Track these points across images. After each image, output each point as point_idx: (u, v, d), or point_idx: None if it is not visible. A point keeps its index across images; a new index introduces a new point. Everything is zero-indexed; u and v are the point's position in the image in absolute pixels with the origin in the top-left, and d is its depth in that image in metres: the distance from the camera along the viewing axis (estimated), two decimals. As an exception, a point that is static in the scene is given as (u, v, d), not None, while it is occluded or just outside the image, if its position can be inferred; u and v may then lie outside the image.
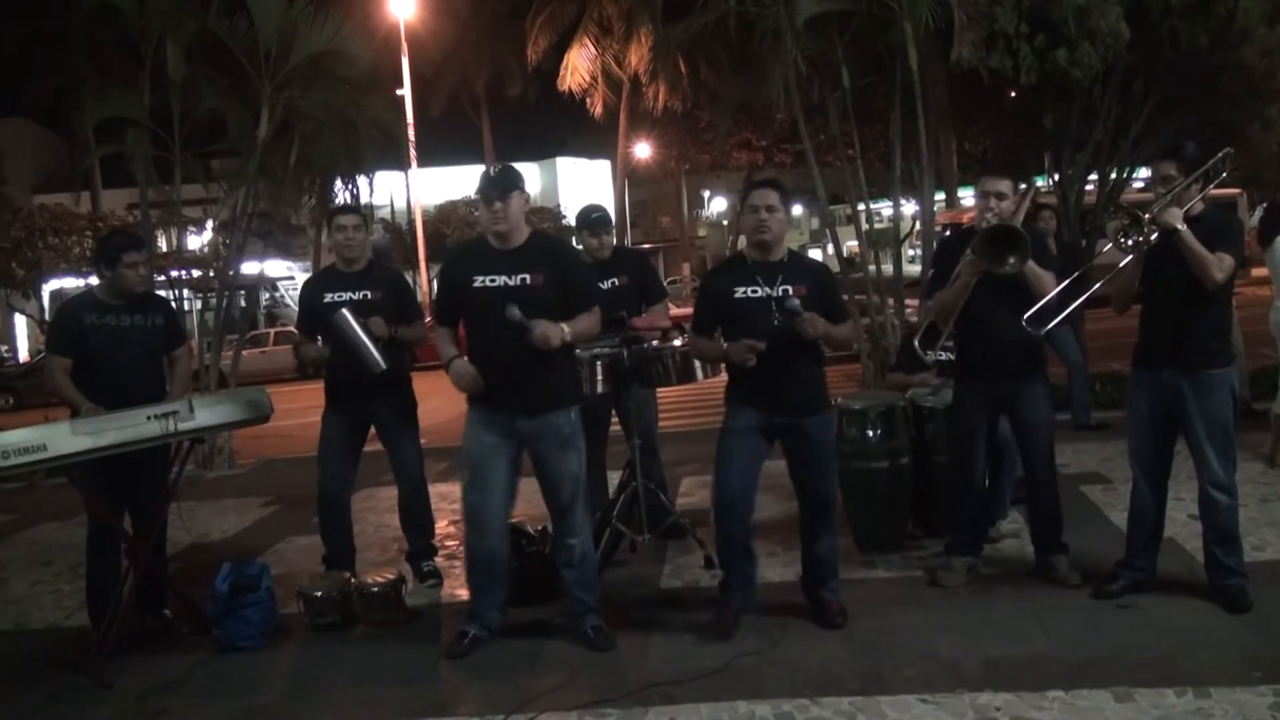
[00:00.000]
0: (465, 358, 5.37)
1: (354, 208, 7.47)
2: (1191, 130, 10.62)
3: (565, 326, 5.24)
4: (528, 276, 5.28)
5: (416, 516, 6.80)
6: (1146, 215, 5.13)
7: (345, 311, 6.21)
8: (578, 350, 6.17)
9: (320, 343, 6.50)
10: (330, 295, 6.45)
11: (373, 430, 6.68)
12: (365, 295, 6.44)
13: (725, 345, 5.36)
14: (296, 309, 7.16)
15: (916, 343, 5.99)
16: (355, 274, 6.58)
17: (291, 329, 31.51)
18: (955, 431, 6.11)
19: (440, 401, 9.77)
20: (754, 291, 5.33)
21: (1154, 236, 5.13)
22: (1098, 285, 5.85)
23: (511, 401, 5.35)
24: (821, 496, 5.53)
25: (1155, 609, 5.34)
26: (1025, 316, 5.55)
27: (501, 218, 5.29)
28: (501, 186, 5.29)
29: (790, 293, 5.28)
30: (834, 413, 5.57)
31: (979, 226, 5.76)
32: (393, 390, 6.54)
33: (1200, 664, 4.70)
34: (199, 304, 12.87)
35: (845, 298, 6.42)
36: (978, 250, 5.61)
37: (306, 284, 6.86)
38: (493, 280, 5.30)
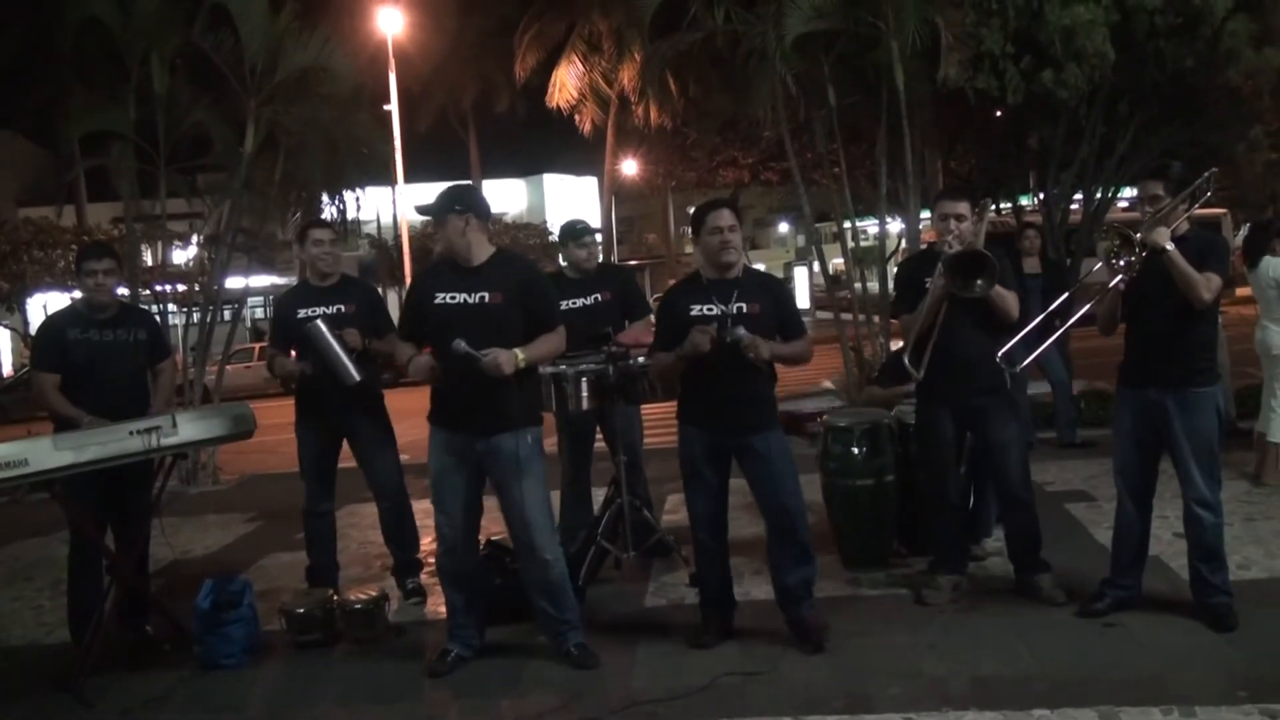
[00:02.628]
0: (426, 354, 5.34)
1: (326, 222, 7.45)
2: (1177, 151, 10.68)
3: (519, 352, 5.18)
4: (487, 295, 5.26)
5: (398, 533, 6.76)
6: (1138, 236, 5.15)
7: (319, 322, 6.21)
8: (563, 366, 6.16)
9: (294, 357, 6.47)
10: (304, 310, 6.42)
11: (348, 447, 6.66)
12: (339, 309, 6.43)
13: (679, 349, 5.32)
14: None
15: (906, 358, 5.98)
16: (328, 288, 6.56)
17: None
18: (923, 449, 6.12)
19: (421, 419, 9.76)
20: (709, 309, 5.32)
21: (1143, 256, 5.15)
22: (1079, 315, 5.87)
23: (466, 422, 5.32)
24: (784, 514, 5.44)
25: (1140, 627, 5.34)
26: (999, 354, 5.59)
27: (439, 239, 5.43)
28: (431, 210, 5.41)
29: (745, 310, 5.28)
30: (781, 430, 5.53)
31: (939, 248, 5.78)
32: (365, 404, 6.51)
33: (1186, 683, 4.70)
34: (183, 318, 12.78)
35: (830, 315, 6.41)
36: (946, 274, 5.62)
37: (280, 299, 6.84)
38: (453, 298, 5.29)
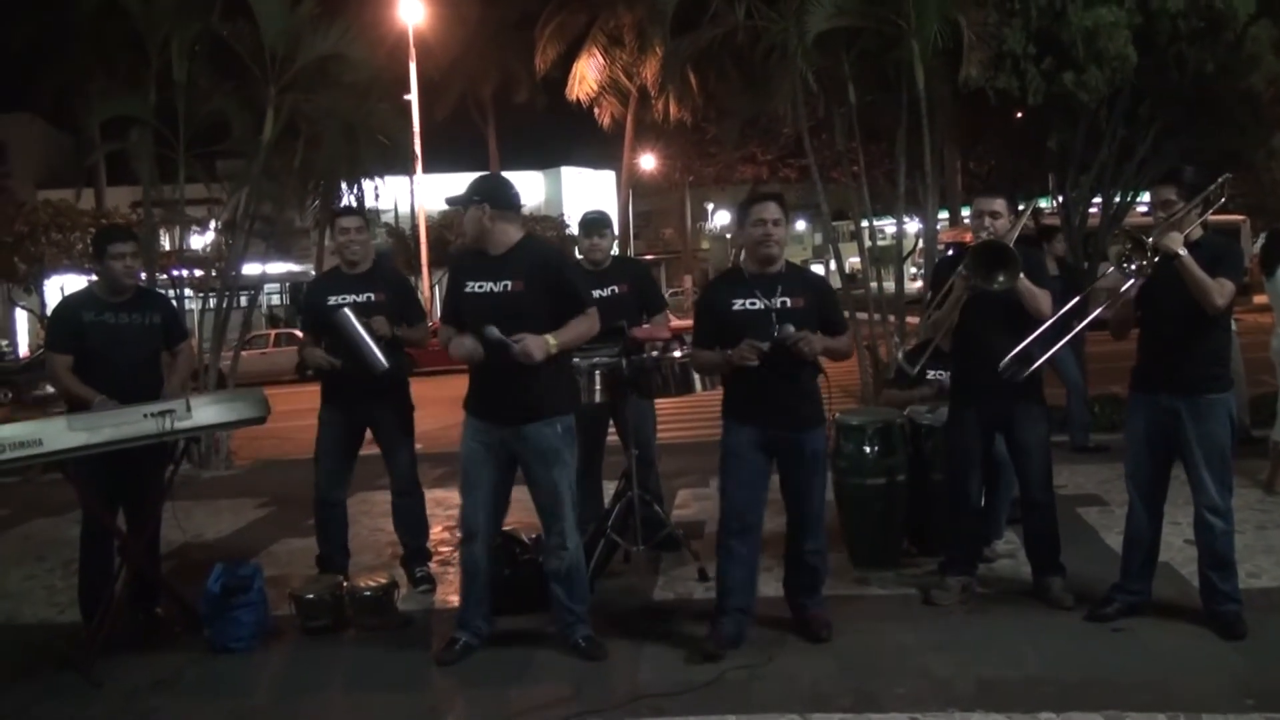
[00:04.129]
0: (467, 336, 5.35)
1: (357, 209, 7.44)
2: (1196, 156, 10.63)
3: (550, 338, 5.20)
4: (510, 283, 5.29)
5: (410, 521, 6.78)
6: (1150, 240, 5.14)
7: (347, 310, 6.23)
8: (576, 359, 6.16)
9: (324, 346, 6.48)
10: (334, 297, 6.44)
11: (369, 434, 6.67)
12: (369, 297, 6.44)
13: (726, 352, 5.30)
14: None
15: (901, 355, 5.98)
16: (358, 275, 6.57)
17: (294, 331, 31.64)
18: (950, 451, 6.10)
19: (437, 409, 9.77)
20: (752, 304, 5.32)
21: (1155, 261, 5.14)
22: (1091, 317, 5.88)
23: (499, 411, 5.35)
24: (813, 510, 5.48)
25: (1149, 633, 5.33)
26: (1002, 364, 5.58)
27: (462, 229, 5.49)
28: (459, 200, 5.47)
29: (789, 305, 5.28)
30: (826, 427, 5.54)
31: None
32: (391, 392, 6.53)
33: (1193, 690, 4.69)
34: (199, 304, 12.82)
35: (845, 314, 6.41)
36: (969, 266, 5.62)
37: (310, 285, 6.86)
38: (480, 286, 5.34)
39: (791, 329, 5.18)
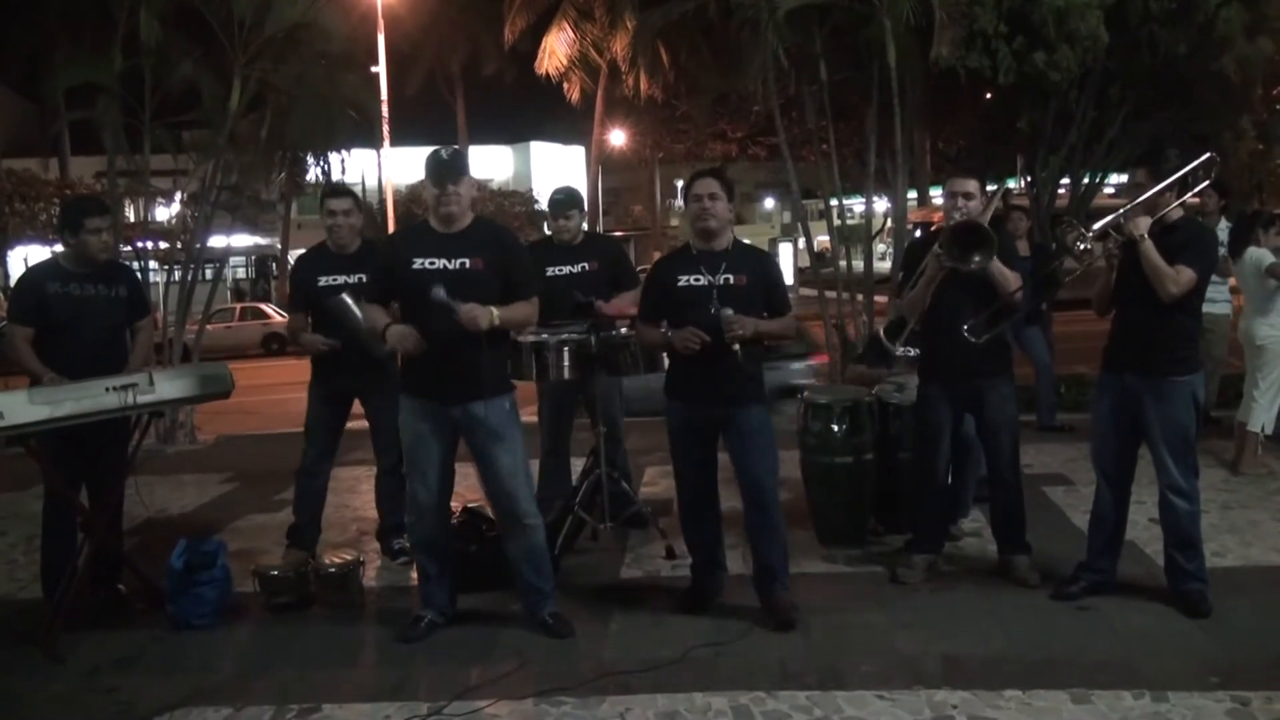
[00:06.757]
0: (403, 324, 5.25)
1: (345, 189, 7.13)
2: (1166, 138, 10.67)
3: (495, 310, 5.13)
4: (467, 261, 5.21)
5: (394, 492, 6.74)
6: (1106, 221, 5.18)
7: (345, 297, 6.14)
8: (545, 335, 6.13)
9: (310, 324, 6.43)
10: (324, 278, 6.37)
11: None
12: (361, 278, 6.34)
13: (669, 333, 5.31)
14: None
15: (882, 331, 5.99)
16: (348, 256, 6.47)
17: (259, 305, 31.46)
18: (919, 430, 6.12)
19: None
20: (696, 280, 5.31)
21: (1117, 244, 5.18)
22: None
23: (441, 389, 5.28)
24: (758, 490, 5.40)
25: (1114, 612, 5.36)
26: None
27: (454, 201, 5.23)
28: (456, 170, 5.24)
29: (731, 282, 5.27)
30: (766, 405, 5.50)
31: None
32: (379, 365, 6.46)
33: (1158, 668, 4.72)
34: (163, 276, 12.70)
35: (814, 293, 6.40)
36: (944, 246, 5.62)
37: (298, 263, 6.74)
38: (432, 263, 5.21)
39: (729, 311, 5.16)
